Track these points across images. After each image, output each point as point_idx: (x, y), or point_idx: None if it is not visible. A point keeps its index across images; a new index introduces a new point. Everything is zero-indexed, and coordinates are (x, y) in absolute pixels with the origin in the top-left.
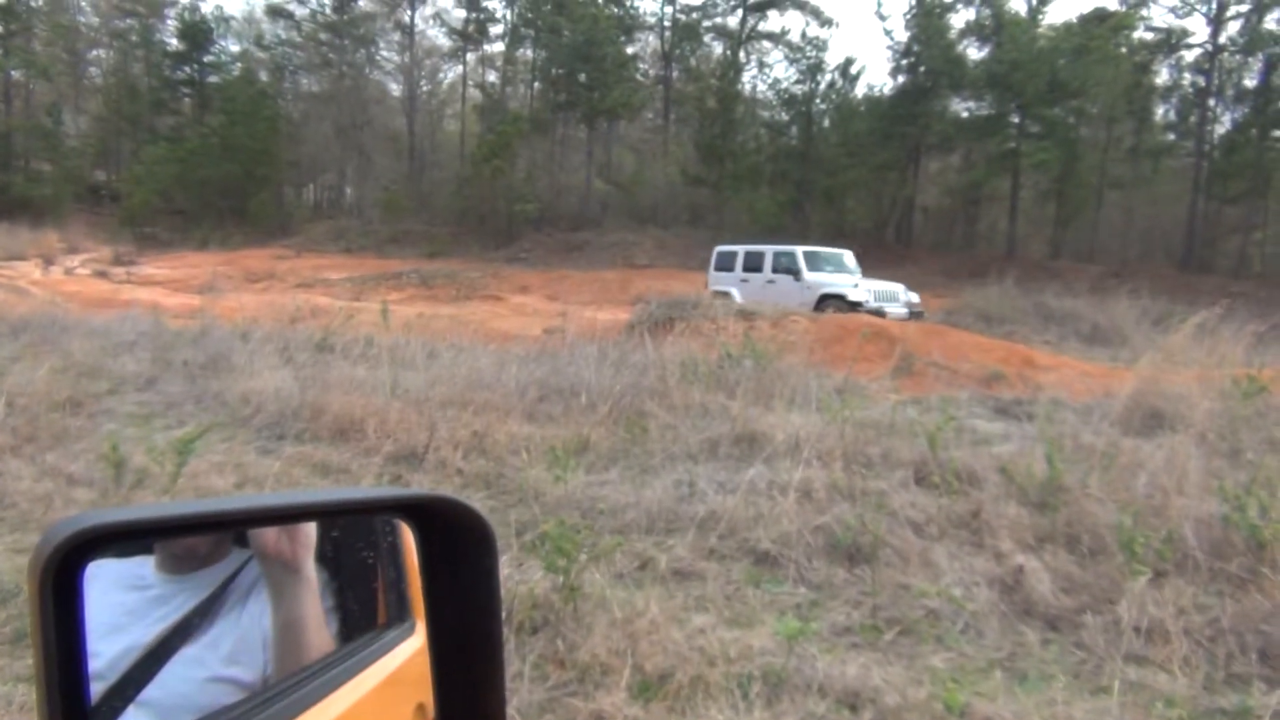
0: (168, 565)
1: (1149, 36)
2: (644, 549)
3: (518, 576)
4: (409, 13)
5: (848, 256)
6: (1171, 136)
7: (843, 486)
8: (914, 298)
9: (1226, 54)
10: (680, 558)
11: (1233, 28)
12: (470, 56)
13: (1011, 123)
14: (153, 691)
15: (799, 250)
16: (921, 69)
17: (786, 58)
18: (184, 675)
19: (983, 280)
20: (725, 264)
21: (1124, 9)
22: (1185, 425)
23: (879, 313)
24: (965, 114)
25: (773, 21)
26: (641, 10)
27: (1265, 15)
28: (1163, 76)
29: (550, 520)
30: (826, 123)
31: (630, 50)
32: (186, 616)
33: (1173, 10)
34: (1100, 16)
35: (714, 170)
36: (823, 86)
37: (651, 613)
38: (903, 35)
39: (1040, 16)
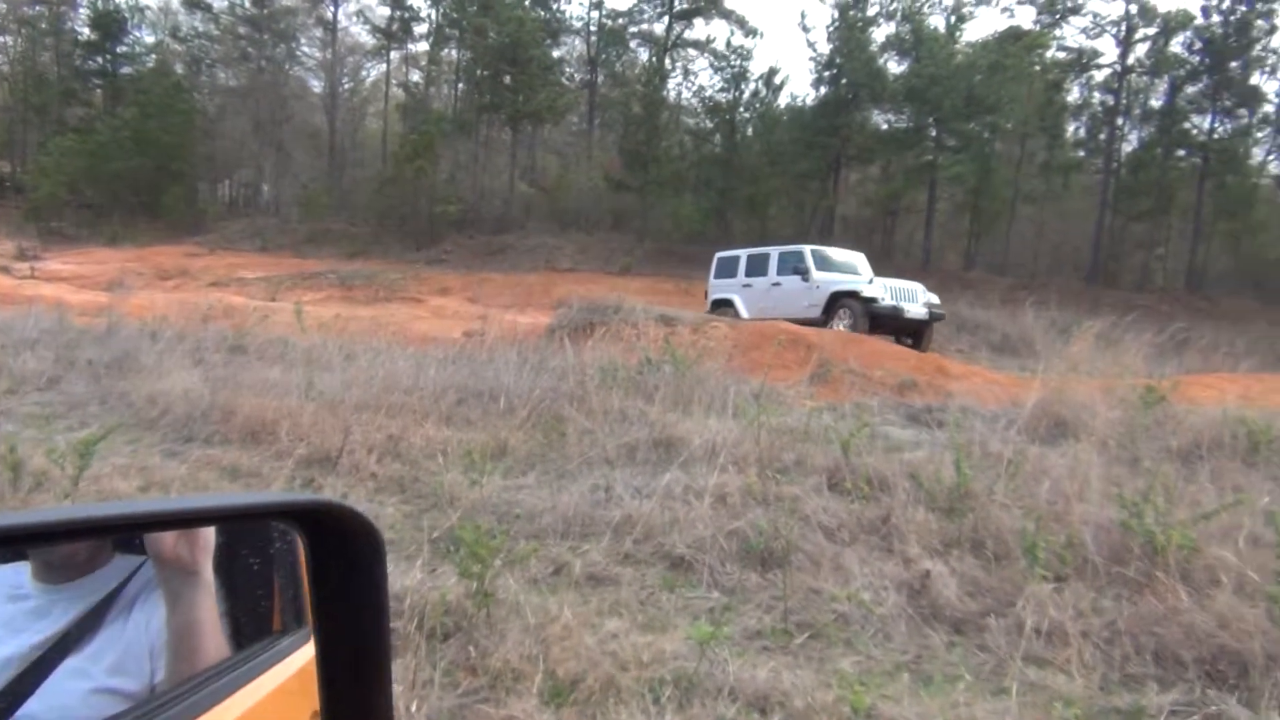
0: (45, 574)
1: (1061, 56)
2: (559, 554)
3: (431, 583)
4: (331, 9)
5: (859, 258)
6: (1081, 153)
7: (757, 492)
8: (934, 298)
9: (1134, 75)
10: (595, 563)
11: (1140, 50)
12: (394, 55)
13: (929, 136)
14: (33, 706)
15: (807, 249)
16: (843, 81)
17: (711, 66)
18: (66, 688)
19: None
20: (726, 270)
21: (1037, 29)
22: (1088, 433)
23: (896, 312)
24: (885, 126)
25: (698, 30)
26: (568, 14)
27: (1171, 39)
28: (1074, 95)
29: (465, 525)
30: (750, 131)
31: (556, 54)
32: (67, 627)
33: (1084, 31)
34: (1015, 35)
35: (638, 175)
36: (747, 95)
37: (565, 618)
38: (825, 47)
39: (958, 33)
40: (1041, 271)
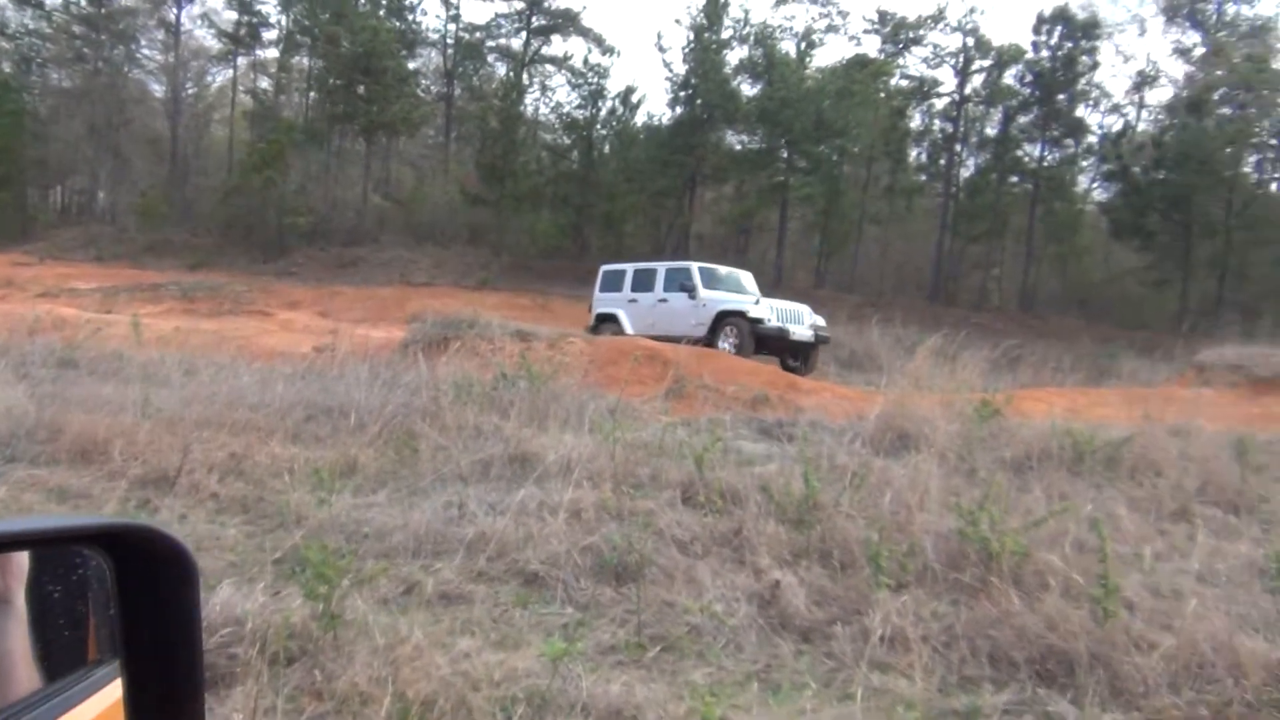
0: None
1: (904, 84)
2: (410, 573)
3: (274, 605)
4: (174, 11)
5: (746, 277)
6: (923, 177)
7: (612, 507)
8: (819, 320)
9: (971, 104)
10: (448, 581)
11: (977, 80)
12: (241, 61)
13: (781, 157)
14: None
15: (694, 266)
16: (698, 102)
17: (569, 83)
18: None
19: None
20: (612, 284)
21: (883, 57)
22: (928, 446)
23: (782, 333)
24: (739, 147)
25: (556, 46)
26: (424, 26)
27: (1004, 71)
28: (916, 121)
29: (311, 545)
30: (607, 148)
31: (412, 65)
32: None
33: (925, 61)
34: (862, 62)
35: (495, 190)
36: (604, 113)
37: (416, 638)
38: (681, 68)
39: (808, 59)
40: (887, 290)
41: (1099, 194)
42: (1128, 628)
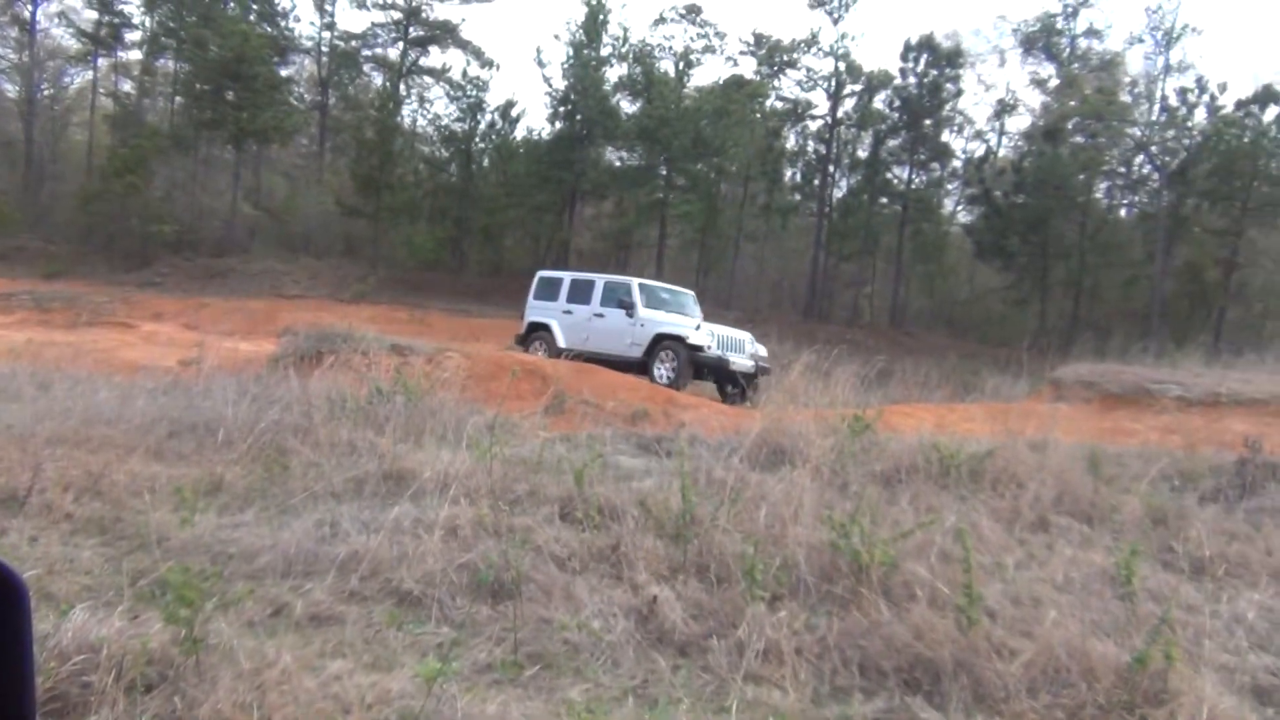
0: None
1: (780, 105)
2: (279, 594)
3: (132, 630)
4: (29, 9)
5: (690, 298)
6: (798, 197)
7: (489, 523)
8: (761, 350)
9: (843, 127)
10: (318, 602)
11: (848, 104)
12: (102, 62)
13: (660, 174)
14: None
15: (634, 282)
16: (578, 117)
17: (448, 95)
18: None
19: None
20: (547, 292)
21: (759, 79)
22: (803, 460)
23: (721, 363)
24: (618, 163)
25: (435, 58)
26: (298, 33)
27: (874, 96)
28: (791, 142)
29: (174, 567)
30: (486, 162)
31: (285, 73)
32: None
33: (799, 84)
34: (738, 83)
35: (371, 201)
36: (483, 126)
37: (284, 662)
38: (561, 84)
39: (686, 78)
40: (764, 306)
41: (963, 216)
42: (990, 635)
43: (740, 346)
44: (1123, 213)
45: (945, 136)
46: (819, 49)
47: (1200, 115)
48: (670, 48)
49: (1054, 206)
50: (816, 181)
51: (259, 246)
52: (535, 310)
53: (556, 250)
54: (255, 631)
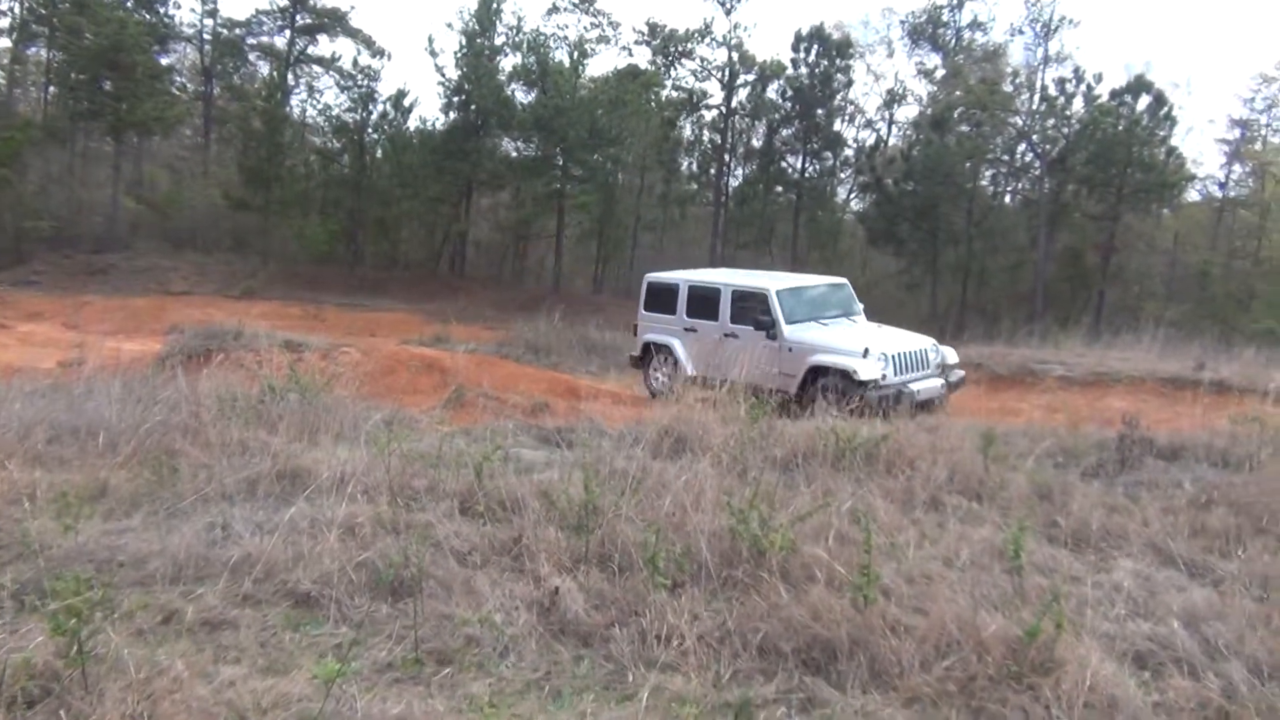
0: None
1: (675, 95)
2: (169, 600)
3: (13, 644)
4: None
5: (844, 290)
6: (694, 186)
7: (388, 520)
8: (950, 355)
9: (738, 117)
10: (210, 607)
11: (742, 94)
12: None
13: (557, 165)
14: None
15: (772, 290)
16: (473, 108)
17: (338, 84)
18: None
19: (532, 313)
20: (661, 301)
21: (653, 69)
22: (704, 448)
23: (905, 397)
24: (515, 154)
25: (323, 46)
26: (178, 20)
27: (767, 86)
28: (687, 132)
29: (57, 576)
30: (380, 153)
31: (165, 61)
32: None
33: (694, 74)
34: (633, 73)
35: (260, 194)
36: (375, 116)
37: (176, 669)
38: (454, 73)
39: (582, 68)
40: None
41: (856, 204)
42: (885, 613)
43: (922, 362)
44: (1007, 199)
45: (837, 126)
46: (713, 39)
47: (1078, 105)
48: (565, 37)
49: (942, 194)
50: (713, 171)
51: (142, 242)
52: (650, 325)
53: (454, 242)
54: (145, 640)
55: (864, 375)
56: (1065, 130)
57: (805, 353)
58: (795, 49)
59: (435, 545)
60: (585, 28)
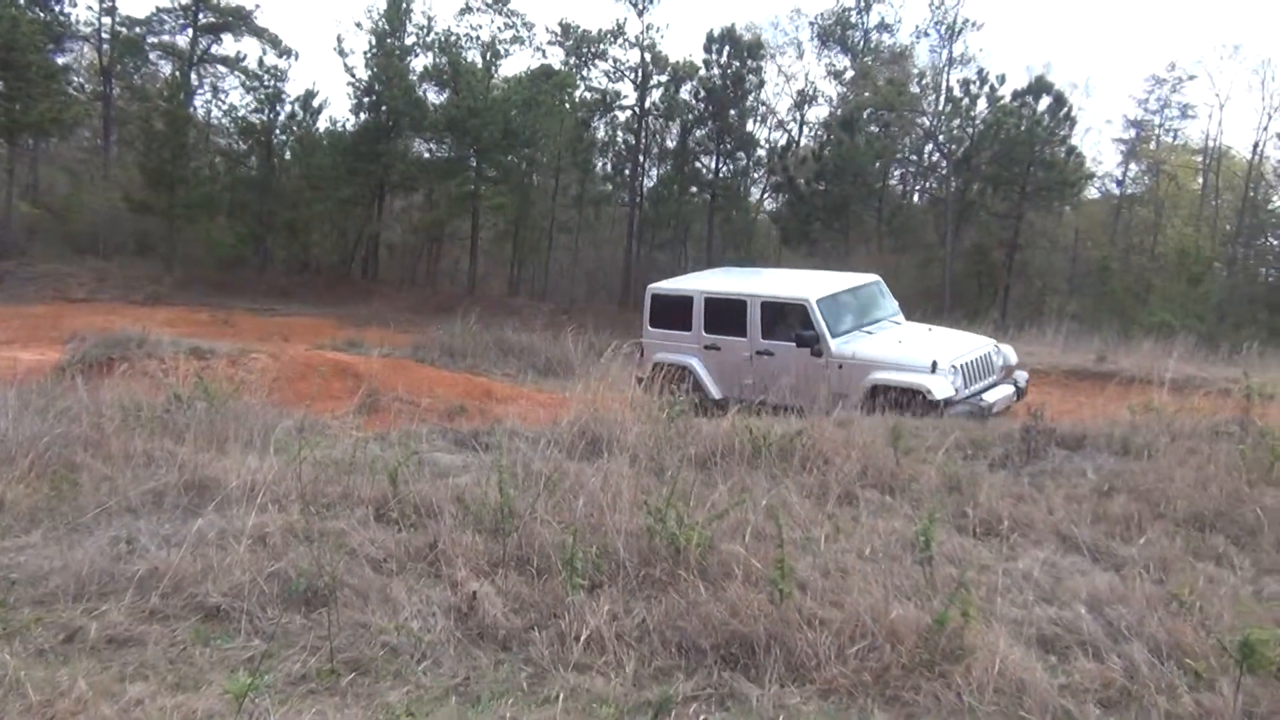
0: None
1: (589, 96)
2: (71, 618)
3: None
4: None
5: (876, 287)
6: (610, 187)
7: (300, 529)
8: (1010, 355)
9: (651, 117)
10: (115, 623)
11: (655, 95)
12: None
13: (471, 166)
14: None
15: (812, 300)
16: (383, 108)
17: (244, 85)
18: None
19: (447, 316)
20: (670, 316)
21: (567, 69)
22: (621, 448)
23: (982, 411)
24: (427, 155)
25: (228, 45)
26: (74, 18)
27: (680, 87)
28: (601, 133)
29: None
30: (288, 154)
31: (61, 60)
32: None
33: (607, 74)
34: (546, 73)
35: (163, 197)
36: (283, 117)
37: (78, 689)
38: (364, 74)
39: (495, 68)
40: (580, 297)
41: (769, 203)
42: (801, 607)
43: (989, 367)
44: (916, 198)
45: (750, 126)
46: (625, 40)
47: (982, 105)
48: (477, 37)
49: (853, 193)
50: (627, 171)
51: (39, 247)
52: (660, 343)
53: (366, 244)
54: (46, 660)
55: (939, 394)
56: (970, 130)
57: (861, 370)
58: (707, 50)
59: (350, 553)
60: (498, 28)
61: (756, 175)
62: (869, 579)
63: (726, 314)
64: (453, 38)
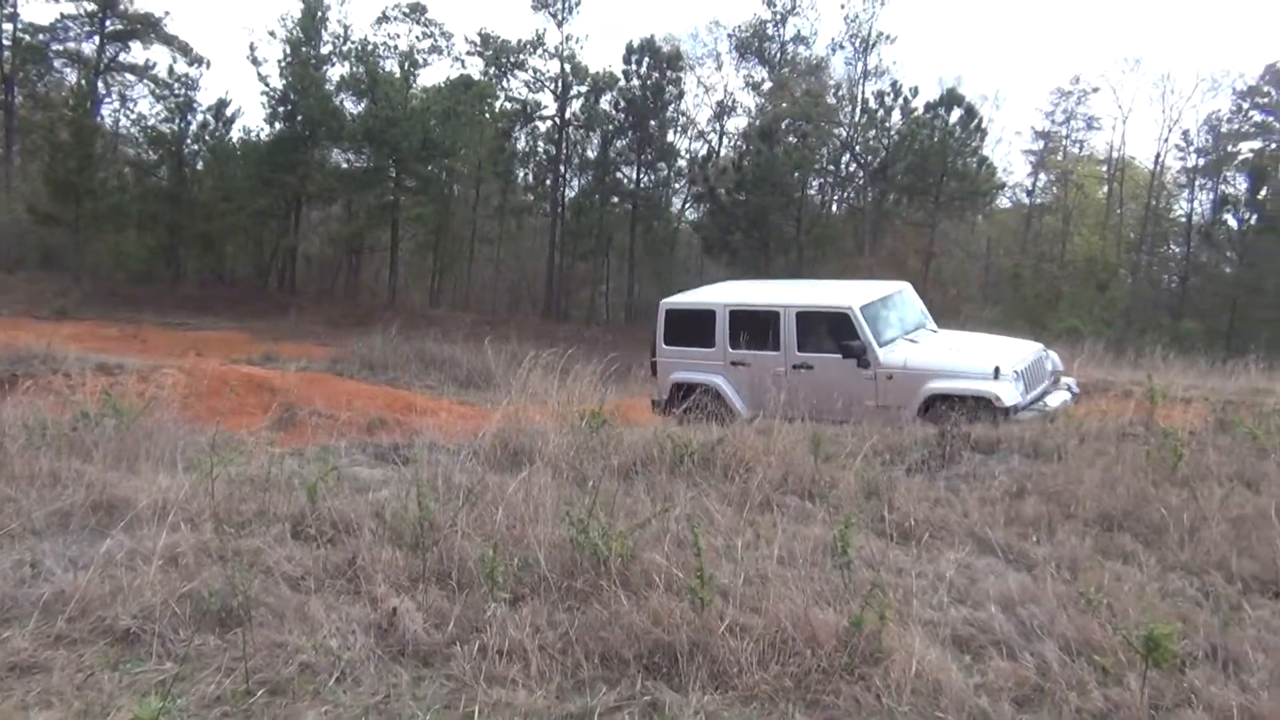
0: None
1: (509, 106)
2: None
3: None
4: None
5: (904, 292)
6: (531, 197)
7: (214, 548)
8: (1057, 361)
9: (572, 128)
10: (19, 650)
11: (576, 105)
12: None
13: (390, 177)
14: None
15: (854, 307)
16: (299, 118)
17: (153, 94)
18: None
19: (367, 328)
20: (687, 332)
21: (486, 79)
22: (542, 458)
23: (1046, 417)
24: (345, 166)
25: (137, 53)
26: None
27: (600, 97)
28: (522, 143)
29: None
30: (200, 165)
31: None
32: None
33: (527, 84)
34: (466, 83)
35: (70, 208)
36: (194, 127)
37: None
38: (279, 82)
39: (413, 78)
40: (502, 307)
41: (691, 213)
42: (723, 614)
43: (1041, 372)
44: (834, 208)
45: (670, 137)
46: (545, 50)
47: (896, 117)
48: (395, 47)
49: (772, 203)
50: (548, 182)
51: None
52: (676, 361)
53: (283, 257)
54: None
55: (1008, 401)
56: (885, 141)
57: (915, 380)
58: (627, 61)
59: (265, 572)
60: (416, 37)
61: (677, 185)
62: (789, 584)
63: (755, 327)
64: (370, 47)
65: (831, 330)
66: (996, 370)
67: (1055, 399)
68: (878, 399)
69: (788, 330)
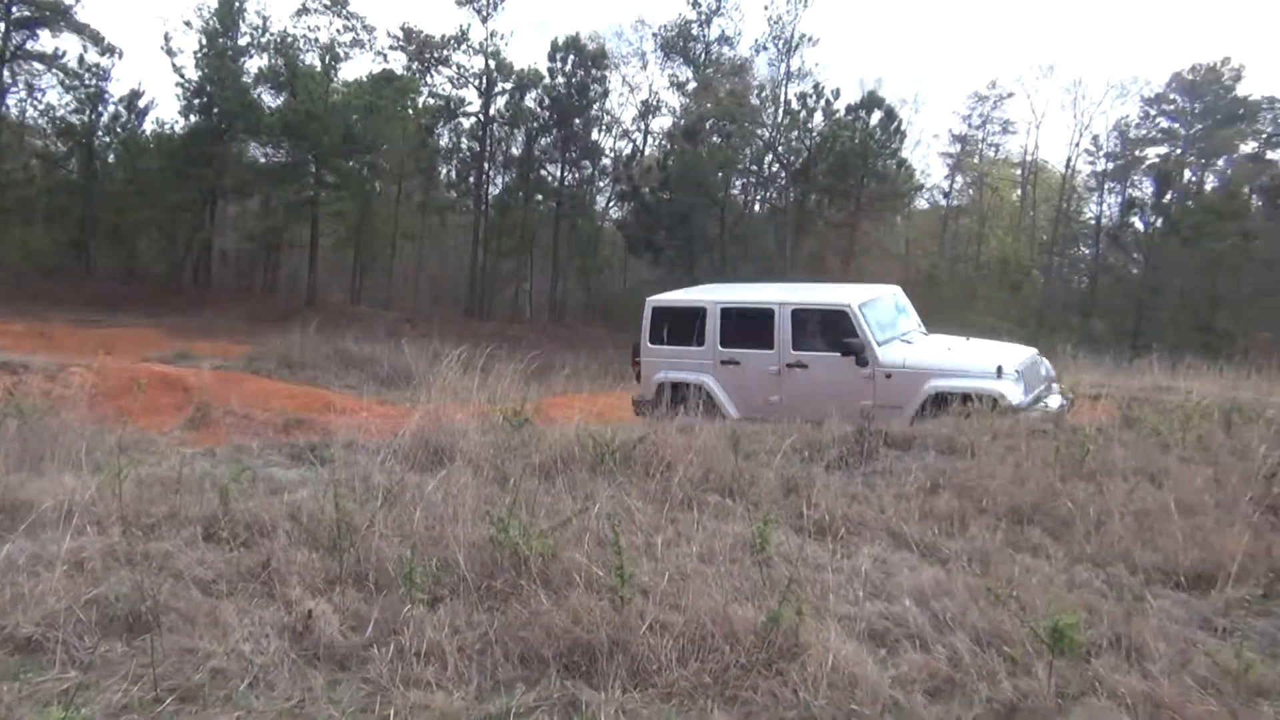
0: None
1: (432, 102)
2: None
3: None
4: None
5: (894, 294)
6: (454, 194)
7: (122, 552)
8: (1049, 367)
9: (496, 125)
10: None
11: (500, 102)
12: None
13: (309, 172)
14: None
15: (854, 305)
16: (215, 111)
17: (62, 83)
18: None
19: (285, 326)
20: (674, 330)
21: (409, 75)
22: (463, 457)
23: (1050, 416)
24: (263, 160)
25: (45, 42)
26: None
27: (525, 94)
28: (445, 139)
29: None
30: (112, 157)
31: None
32: None
33: (451, 80)
34: (388, 78)
35: None
36: (106, 118)
37: None
38: (194, 74)
39: (334, 72)
40: (424, 305)
41: (615, 212)
42: (643, 612)
43: (1037, 374)
44: (756, 208)
45: (595, 135)
46: (469, 46)
47: (818, 118)
48: (316, 40)
49: (696, 202)
50: (472, 179)
51: None
52: (662, 360)
53: (198, 252)
54: None
55: (1013, 399)
56: (807, 142)
57: (916, 379)
58: (552, 58)
59: (176, 575)
60: (337, 30)
61: (602, 184)
62: (709, 581)
63: (747, 325)
64: (289, 39)
65: (829, 328)
66: (999, 369)
67: (1054, 401)
68: (875, 398)
69: (783, 328)
